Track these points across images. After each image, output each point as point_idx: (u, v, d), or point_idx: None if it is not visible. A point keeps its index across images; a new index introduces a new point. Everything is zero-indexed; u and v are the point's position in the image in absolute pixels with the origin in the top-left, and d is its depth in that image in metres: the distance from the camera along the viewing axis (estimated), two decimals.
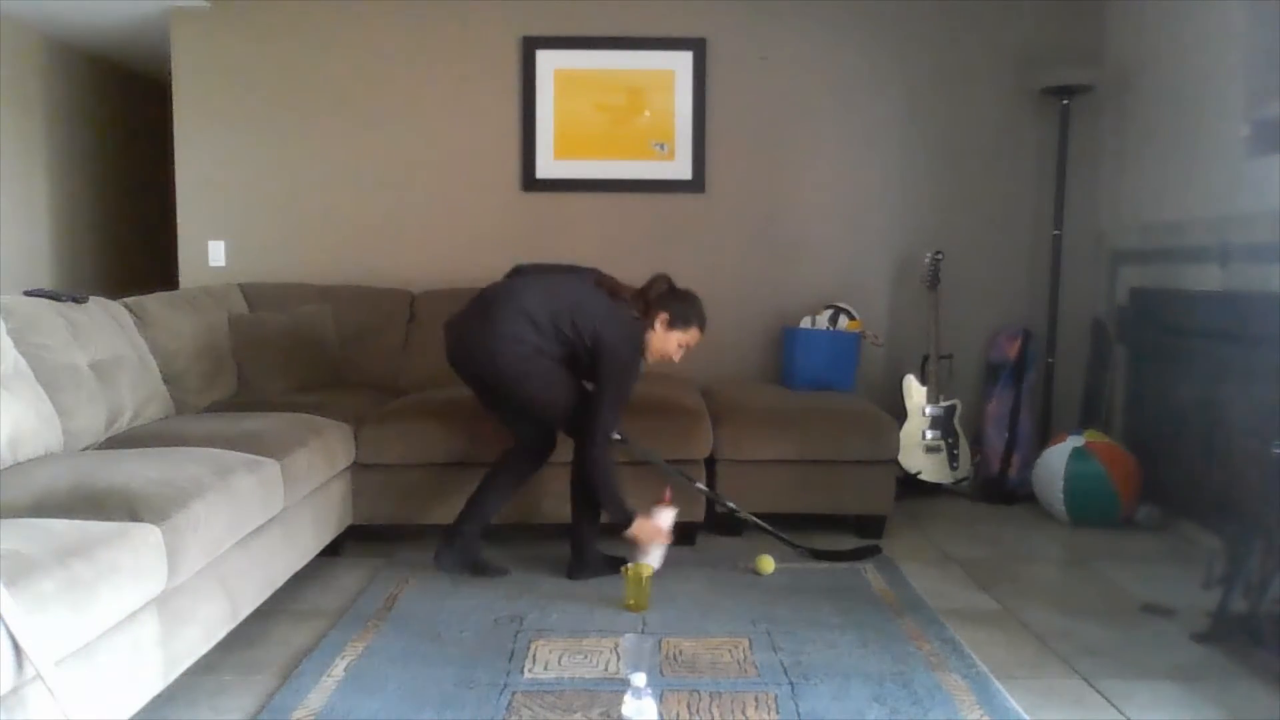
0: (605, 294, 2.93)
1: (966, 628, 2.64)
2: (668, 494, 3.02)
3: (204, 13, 4.18)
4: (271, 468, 2.55)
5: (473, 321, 2.86)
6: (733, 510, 3.28)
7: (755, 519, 3.26)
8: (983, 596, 2.92)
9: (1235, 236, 3.27)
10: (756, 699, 2.20)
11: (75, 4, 4.26)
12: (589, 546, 3.00)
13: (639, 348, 2.89)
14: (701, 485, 3.26)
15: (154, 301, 3.35)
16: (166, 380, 3.19)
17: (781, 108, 4.27)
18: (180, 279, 4.30)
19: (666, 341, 2.94)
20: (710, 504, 3.38)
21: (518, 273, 3.05)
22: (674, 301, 2.96)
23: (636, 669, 2.03)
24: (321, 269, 4.24)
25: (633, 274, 4.27)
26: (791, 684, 2.28)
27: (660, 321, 2.92)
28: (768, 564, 3.07)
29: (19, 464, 2.36)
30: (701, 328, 2.99)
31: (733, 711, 2.14)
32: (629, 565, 2.79)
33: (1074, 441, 3.67)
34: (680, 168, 4.26)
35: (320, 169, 4.26)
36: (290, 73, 4.23)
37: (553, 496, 3.24)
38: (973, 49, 4.25)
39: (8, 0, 4.22)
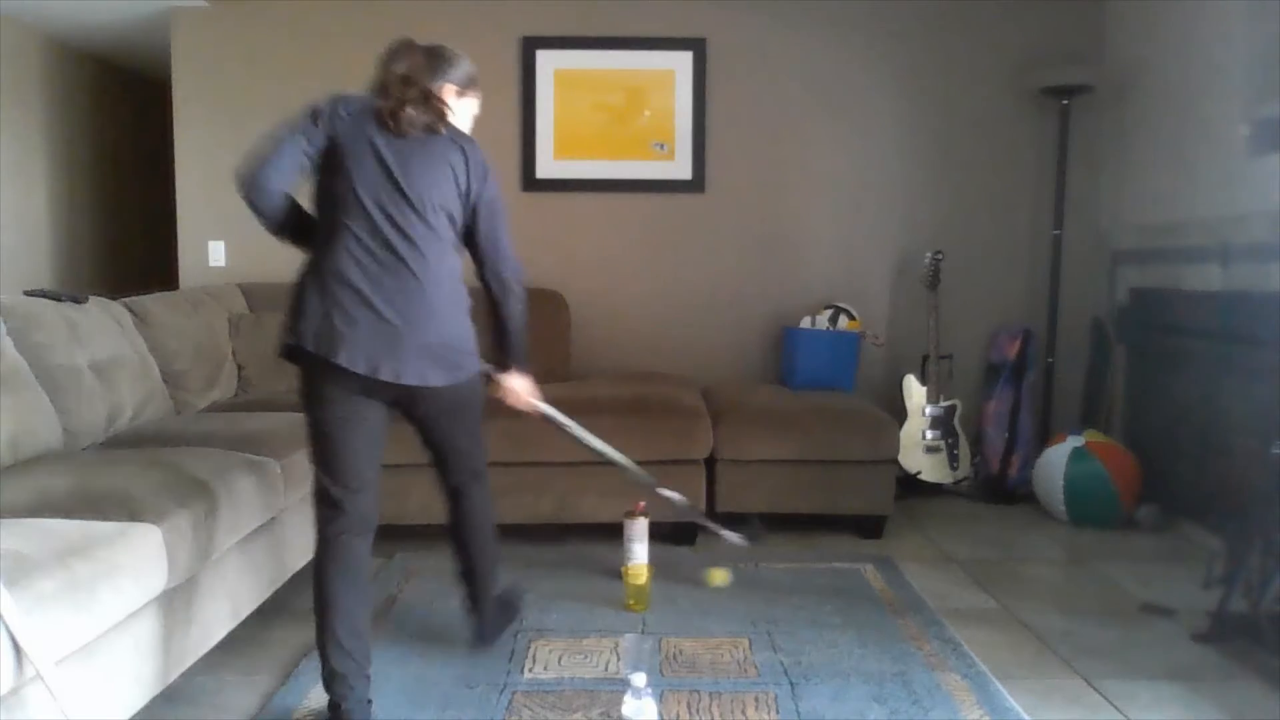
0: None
1: (966, 628, 2.64)
2: (640, 504, 2.84)
3: (204, 13, 4.18)
4: (271, 468, 2.56)
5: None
6: (671, 499, 2.88)
7: (691, 509, 3.01)
8: (983, 596, 2.92)
9: (1235, 236, 3.27)
10: (756, 699, 2.20)
11: (75, 4, 4.26)
12: (488, 605, 2.44)
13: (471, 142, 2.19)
14: (666, 491, 2.86)
15: (154, 301, 3.35)
16: (166, 380, 3.19)
17: (781, 108, 4.27)
18: (180, 279, 4.29)
19: (460, 117, 2.24)
20: (711, 503, 3.38)
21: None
22: (449, 65, 2.25)
23: (636, 669, 2.04)
24: None
25: (632, 274, 4.32)
26: (791, 684, 2.28)
27: (453, 93, 2.22)
28: (718, 576, 2.93)
29: (19, 464, 2.36)
30: (478, 83, 2.32)
31: (733, 711, 2.14)
32: (628, 565, 2.78)
33: (1074, 441, 3.67)
34: (680, 168, 4.26)
35: None
36: (290, 73, 4.23)
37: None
38: (973, 49, 4.25)
39: (8, 0, 4.22)
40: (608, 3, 4.21)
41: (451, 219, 2.10)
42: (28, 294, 2.83)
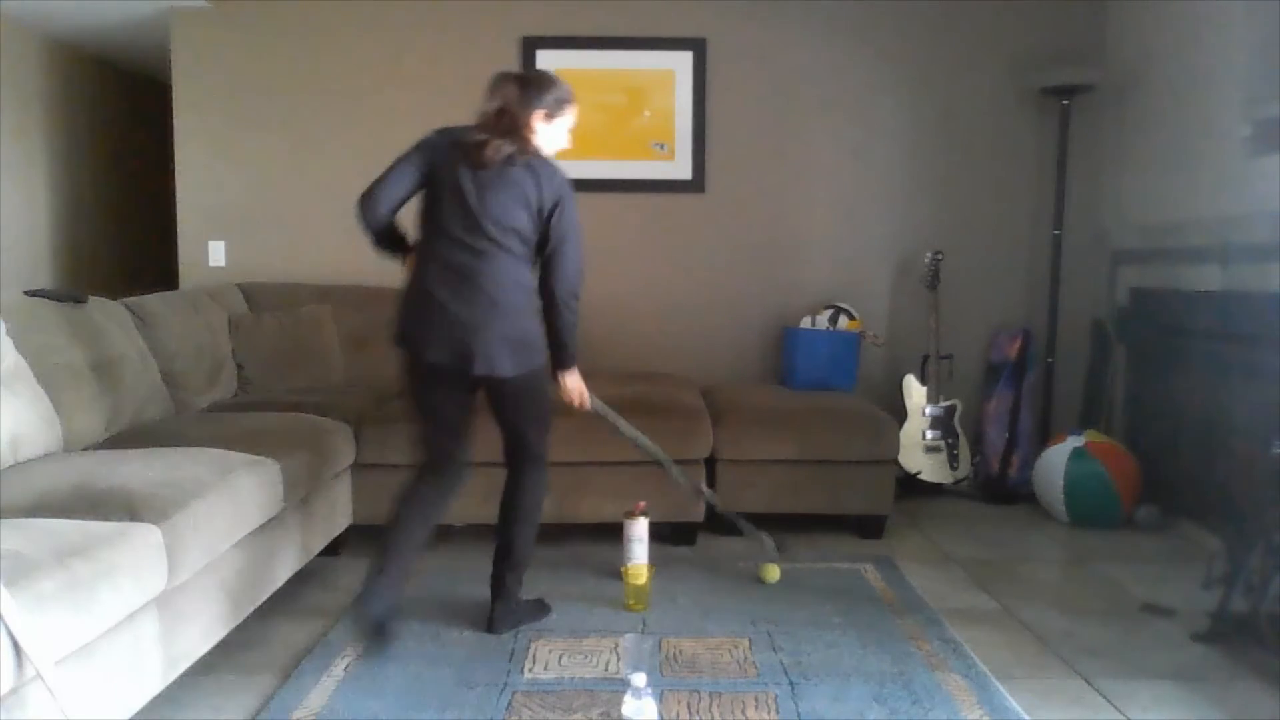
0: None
1: (966, 628, 2.64)
2: (640, 505, 2.88)
3: (204, 13, 4.18)
4: (271, 468, 2.55)
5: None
6: (706, 498, 3.14)
7: (724, 509, 3.15)
8: (983, 596, 2.92)
9: (1235, 236, 3.27)
10: (756, 699, 2.20)
11: (75, 4, 4.26)
12: (514, 593, 2.65)
13: (560, 169, 2.51)
14: (681, 475, 3.01)
15: (154, 301, 3.35)
16: (166, 380, 3.19)
17: (781, 108, 4.27)
18: (180, 279, 4.30)
19: (552, 138, 2.52)
20: (710, 505, 3.38)
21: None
22: (540, 94, 2.47)
23: (636, 669, 2.04)
24: (321, 269, 4.24)
25: (632, 274, 4.32)
26: (791, 684, 2.28)
27: (541, 119, 2.47)
28: (773, 572, 3.00)
29: (19, 464, 2.36)
30: (574, 100, 2.55)
31: (733, 711, 2.14)
32: (628, 565, 2.78)
33: (1074, 441, 3.67)
34: (680, 168, 4.26)
35: (320, 169, 4.26)
36: (290, 73, 4.23)
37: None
38: (973, 49, 4.25)
39: (8, 0, 4.22)
40: (608, 3, 4.21)
41: (522, 237, 2.42)
42: (28, 294, 2.83)
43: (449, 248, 2.41)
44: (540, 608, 2.72)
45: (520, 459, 2.62)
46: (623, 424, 2.86)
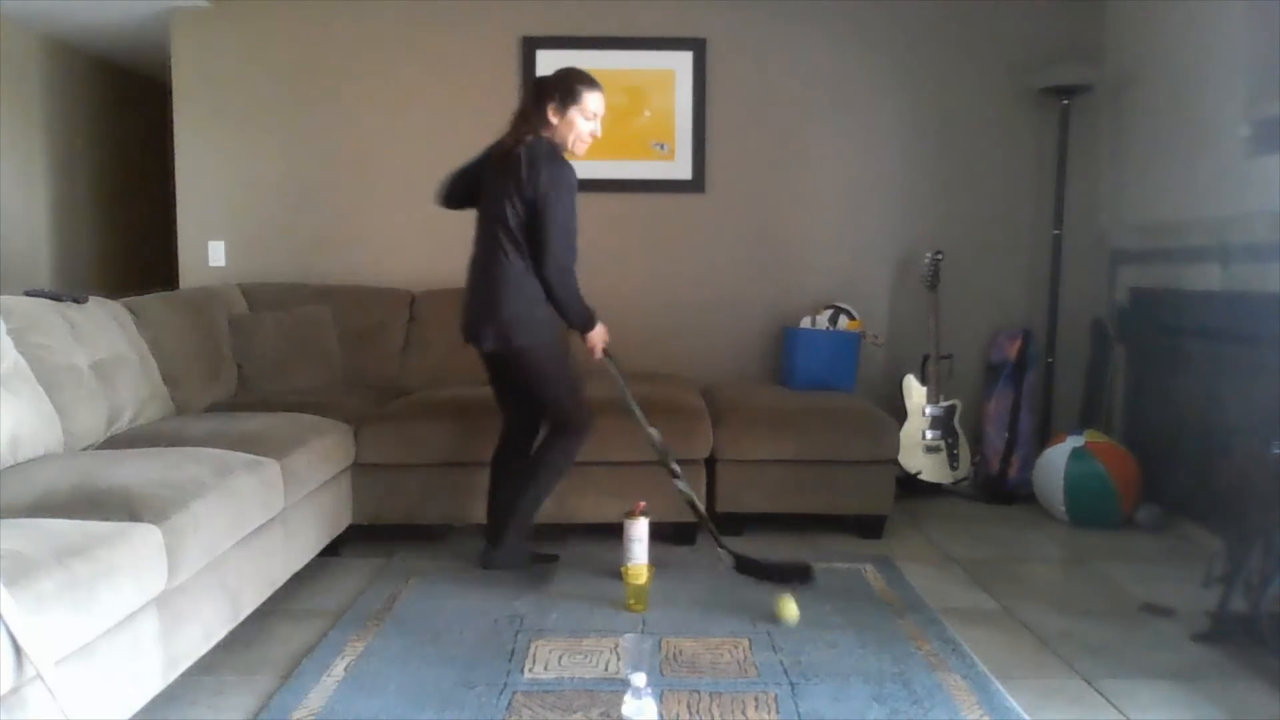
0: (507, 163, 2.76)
1: (966, 628, 2.64)
2: (640, 505, 2.90)
3: (204, 13, 4.18)
4: (271, 468, 2.55)
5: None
6: (685, 494, 3.06)
7: (696, 504, 3.11)
8: (983, 596, 2.92)
9: (1235, 236, 3.27)
10: (756, 699, 2.20)
11: (75, 4, 4.26)
12: (502, 539, 2.96)
13: (556, 155, 2.76)
14: (674, 467, 3.06)
15: (154, 301, 3.35)
16: (166, 380, 3.19)
17: (781, 108, 4.27)
18: (180, 279, 4.30)
19: (571, 126, 2.79)
20: (711, 503, 3.38)
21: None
22: (549, 89, 2.79)
23: (636, 669, 2.03)
24: (321, 269, 4.24)
25: (633, 274, 4.32)
26: (791, 684, 2.28)
27: (551, 113, 2.77)
28: (790, 609, 2.64)
29: (19, 464, 2.36)
30: (593, 87, 2.84)
31: (733, 711, 2.14)
32: (628, 565, 2.78)
33: (1074, 441, 3.67)
34: (680, 168, 4.26)
35: (320, 169, 4.26)
36: (290, 73, 4.23)
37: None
38: (973, 49, 4.25)
39: (8, 0, 4.23)
40: (608, 3, 4.21)
41: (516, 226, 2.71)
42: (28, 294, 2.83)
43: (476, 239, 2.83)
44: (537, 567, 2.97)
45: (550, 425, 2.93)
46: (626, 392, 3.03)
